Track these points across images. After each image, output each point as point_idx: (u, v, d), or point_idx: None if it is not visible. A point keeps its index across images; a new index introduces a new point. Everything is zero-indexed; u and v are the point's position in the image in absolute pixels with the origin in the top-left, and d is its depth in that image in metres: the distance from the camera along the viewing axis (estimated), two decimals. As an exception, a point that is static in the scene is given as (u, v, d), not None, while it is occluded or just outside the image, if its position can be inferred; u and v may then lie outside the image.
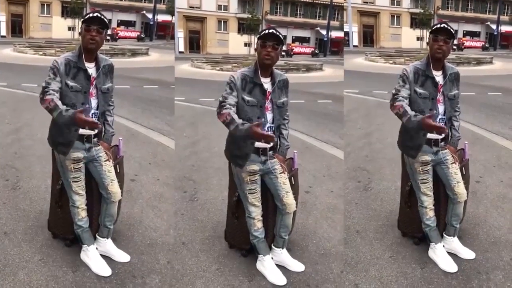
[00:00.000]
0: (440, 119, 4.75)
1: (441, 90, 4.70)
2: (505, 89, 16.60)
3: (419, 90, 4.63)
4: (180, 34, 38.89)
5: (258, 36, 4.52)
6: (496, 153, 8.31)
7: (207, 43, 40.19)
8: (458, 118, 4.94)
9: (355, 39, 39.84)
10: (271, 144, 4.58)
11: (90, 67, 4.54)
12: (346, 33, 39.12)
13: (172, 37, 38.10)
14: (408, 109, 4.44)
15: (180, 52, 37.58)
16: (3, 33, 37.72)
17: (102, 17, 4.50)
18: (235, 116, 4.30)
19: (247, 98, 4.47)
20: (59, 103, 4.21)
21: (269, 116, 4.60)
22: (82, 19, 4.54)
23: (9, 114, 10.46)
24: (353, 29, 39.83)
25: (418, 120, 4.25)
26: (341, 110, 11.63)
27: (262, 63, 4.50)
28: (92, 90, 4.55)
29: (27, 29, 38.73)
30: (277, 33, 4.45)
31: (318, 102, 14.38)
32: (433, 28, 4.66)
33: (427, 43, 4.76)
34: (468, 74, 17.90)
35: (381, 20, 41.02)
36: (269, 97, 4.56)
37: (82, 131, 4.53)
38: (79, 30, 4.60)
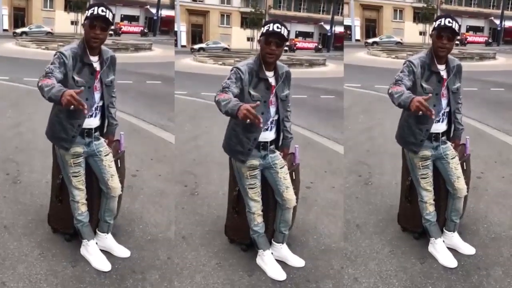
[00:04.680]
0: (442, 113, 4.74)
1: (445, 84, 4.68)
2: (507, 85, 16.56)
3: (425, 85, 4.59)
4: (182, 28, 38.80)
5: (262, 31, 4.43)
6: (498, 149, 8.30)
7: (210, 37, 40.11)
8: (460, 111, 4.90)
9: (357, 33, 39.72)
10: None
11: (95, 61, 4.49)
12: (348, 27, 38.99)
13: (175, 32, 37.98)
14: (405, 90, 4.28)
15: (182, 46, 37.50)
16: (6, 26, 37.62)
17: (107, 13, 4.36)
18: (233, 98, 4.11)
19: (253, 93, 4.43)
20: (55, 82, 4.04)
21: (272, 110, 4.58)
22: (86, 14, 4.39)
23: (11, 108, 10.44)
24: (356, 23, 39.71)
25: (408, 96, 4.12)
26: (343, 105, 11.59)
27: (265, 60, 4.47)
28: (97, 84, 4.51)
29: (30, 23, 38.67)
30: (282, 32, 4.36)
31: (321, 98, 14.37)
32: (437, 24, 4.55)
33: (430, 35, 4.68)
34: (470, 69, 17.83)
35: (384, 14, 40.87)
36: (274, 91, 4.54)
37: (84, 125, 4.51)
38: (82, 22, 4.49)
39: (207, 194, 6.35)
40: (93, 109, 4.55)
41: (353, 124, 9.74)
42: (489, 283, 4.56)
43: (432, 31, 4.63)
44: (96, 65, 4.49)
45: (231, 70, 4.44)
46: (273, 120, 4.60)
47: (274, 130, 4.64)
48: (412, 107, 4.01)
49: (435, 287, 4.51)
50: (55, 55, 4.36)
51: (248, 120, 3.88)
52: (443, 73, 4.68)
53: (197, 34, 40.31)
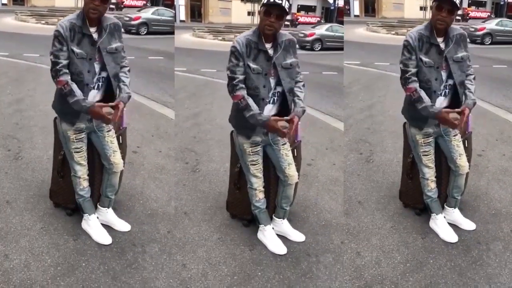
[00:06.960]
0: (444, 86, 4.65)
1: (444, 55, 4.58)
2: (510, 62, 16.52)
3: (424, 59, 4.53)
4: (181, 2, 38.46)
5: (262, 2, 4.34)
6: (499, 127, 8.29)
7: (209, 12, 39.80)
8: (473, 81, 4.76)
9: (356, 9, 39.39)
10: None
11: (94, 32, 4.41)
12: (347, 2, 38.65)
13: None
14: (423, 95, 4.45)
15: (181, 21, 37.23)
16: (4, 0, 37.42)
17: None
18: (250, 101, 4.30)
19: (252, 65, 4.37)
20: (74, 87, 4.23)
21: (273, 81, 4.47)
22: None
23: (11, 84, 10.41)
24: (355, -3, 39.36)
25: (435, 112, 4.43)
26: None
27: (264, 32, 4.40)
28: (96, 54, 4.42)
29: (30, -2, 38.42)
30: (283, 4, 4.28)
31: (323, 74, 14.32)
32: None
33: (431, 8, 4.61)
34: (472, 46, 17.80)
35: (384, -11, 40.52)
36: (272, 62, 4.45)
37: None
38: None
39: (208, 171, 6.36)
40: (95, 80, 4.45)
41: (353, 102, 9.72)
42: (489, 257, 4.60)
43: (433, 2, 4.52)
44: (95, 35, 4.41)
45: (230, 50, 4.41)
46: (275, 92, 4.50)
47: (277, 104, 4.54)
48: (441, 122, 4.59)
49: (436, 261, 4.54)
50: (53, 34, 4.32)
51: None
52: (442, 45, 4.58)
53: (196, 8, 39.94)
